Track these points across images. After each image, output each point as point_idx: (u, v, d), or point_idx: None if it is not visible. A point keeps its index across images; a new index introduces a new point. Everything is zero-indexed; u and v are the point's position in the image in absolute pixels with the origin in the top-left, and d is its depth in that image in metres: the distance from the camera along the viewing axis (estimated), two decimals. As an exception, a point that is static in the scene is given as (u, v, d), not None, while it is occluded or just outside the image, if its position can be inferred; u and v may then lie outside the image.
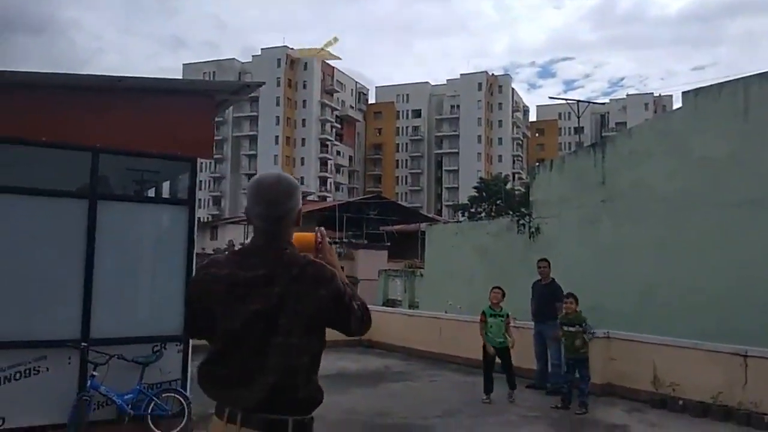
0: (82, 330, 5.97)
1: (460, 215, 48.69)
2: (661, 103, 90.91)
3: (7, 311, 5.74)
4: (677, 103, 11.40)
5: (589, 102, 36.79)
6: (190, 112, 6.72)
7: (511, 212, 33.03)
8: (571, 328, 7.89)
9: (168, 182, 7.98)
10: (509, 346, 8.21)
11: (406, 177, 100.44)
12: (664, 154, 10.31)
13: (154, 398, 6.14)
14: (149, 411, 6.08)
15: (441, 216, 64.68)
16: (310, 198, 59.68)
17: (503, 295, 8.35)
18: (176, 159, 6.58)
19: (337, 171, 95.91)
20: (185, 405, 6.30)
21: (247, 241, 2.33)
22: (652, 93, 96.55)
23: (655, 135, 10.85)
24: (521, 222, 13.85)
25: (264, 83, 6.66)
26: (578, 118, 31.96)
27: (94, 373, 5.88)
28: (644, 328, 9.33)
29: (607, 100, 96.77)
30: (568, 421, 7.20)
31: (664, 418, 7.37)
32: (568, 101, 33.29)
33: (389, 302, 19.97)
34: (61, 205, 6.07)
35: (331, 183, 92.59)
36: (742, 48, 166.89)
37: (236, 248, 2.35)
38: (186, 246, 6.53)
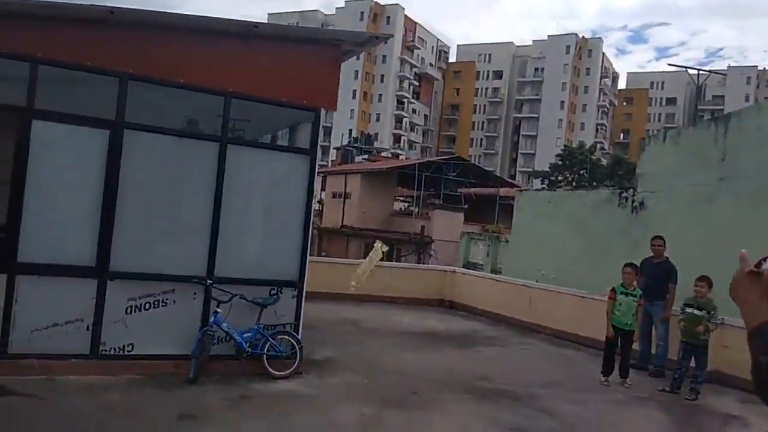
0: (207, 268, 6.18)
1: (539, 183, 47.43)
2: (765, 76, 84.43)
3: (141, 245, 6.00)
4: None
5: (710, 71, 34.13)
6: (316, 61, 6.68)
7: (595, 183, 31.84)
8: (697, 312, 7.36)
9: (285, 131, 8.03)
10: (634, 332, 7.54)
11: (481, 140, 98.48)
12: (799, 133, 9.51)
13: (270, 339, 6.33)
14: (265, 350, 6.29)
15: (512, 180, 63.32)
16: (383, 154, 59.70)
17: (637, 273, 7.70)
18: (302, 108, 6.59)
19: (412, 129, 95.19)
20: (297, 348, 6.48)
21: None
22: (756, 66, 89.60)
23: (789, 111, 10.00)
24: (623, 195, 13.27)
25: (392, 36, 6.52)
26: (697, 87, 29.84)
27: (218, 309, 6.10)
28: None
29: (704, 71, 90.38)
30: (679, 405, 6.92)
31: (783, 413, 6.97)
32: (681, 68, 31.08)
33: (470, 265, 19.85)
34: (193, 146, 6.23)
35: (404, 141, 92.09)
36: None
37: None
38: (306, 195, 6.60)
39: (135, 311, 5.98)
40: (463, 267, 18.77)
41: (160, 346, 6.07)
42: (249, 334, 6.26)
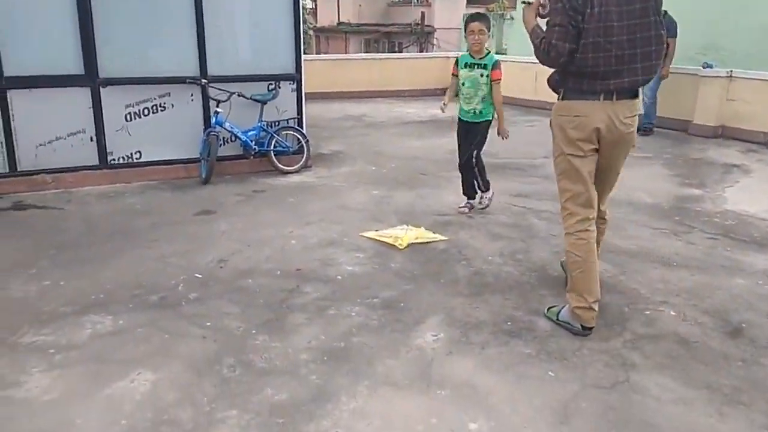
0: (200, 68, 5.98)
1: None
2: None
3: (127, 49, 5.74)
4: None
5: None
6: None
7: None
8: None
9: None
10: (489, 124, 4.91)
11: None
12: None
13: (275, 135, 6.34)
14: (272, 147, 6.33)
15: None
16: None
17: (488, 29, 4.74)
18: None
19: None
20: (304, 142, 6.52)
21: None
22: None
23: None
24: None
25: None
26: None
27: (218, 110, 6.03)
28: (766, 67, 8.58)
29: None
30: (682, 160, 7.07)
31: (785, 159, 7.12)
32: None
33: (473, 50, 19.12)
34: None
35: None
36: None
37: None
38: (292, -21, 6.11)
39: (135, 118, 5.93)
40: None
41: (167, 151, 6.12)
42: (253, 132, 6.26)
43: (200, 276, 3.80)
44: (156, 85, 5.88)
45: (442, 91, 13.48)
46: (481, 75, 4.74)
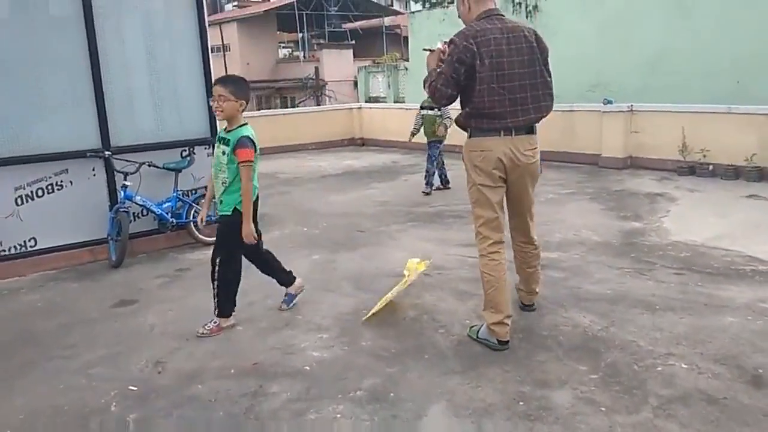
0: (101, 138, 5.31)
1: (419, 5, 45.65)
2: None
3: (12, 125, 4.98)
4: None
5: None
6: None
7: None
8: (430, 112, 7.72)
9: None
10: (230, 221, 3.70)
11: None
12: None
13: (193, 204, 5.72)
14: (191, 218, 5.70)
15: (392, 7, 60.57)
16: (255, -2, 54.65)
17: (236, 95, 3.71)
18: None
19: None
20: (226, 210, 5.93)
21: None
22: None
23: None
24: (517, 1, 12.86)
25: None
26: None
27: (126, 183, 5.34)
28: (653, 99, 9.14)
29: None
30: (606, 193, 7.18)
31: (698, 183, 7.43)
32: None
33: (371, 100, 19.26)
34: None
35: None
36: None
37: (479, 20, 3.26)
38: (198, 37, 5.65)
39: (27, 201, 5.12)
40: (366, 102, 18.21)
41: (68, 235, 5.32)
42: (169, 204, 5.62)
43: (135, 388, 3.13)
44: (51, 162, 5.14)
45: (349, 141, 13.33)
46: (223, 153, 3.60)
